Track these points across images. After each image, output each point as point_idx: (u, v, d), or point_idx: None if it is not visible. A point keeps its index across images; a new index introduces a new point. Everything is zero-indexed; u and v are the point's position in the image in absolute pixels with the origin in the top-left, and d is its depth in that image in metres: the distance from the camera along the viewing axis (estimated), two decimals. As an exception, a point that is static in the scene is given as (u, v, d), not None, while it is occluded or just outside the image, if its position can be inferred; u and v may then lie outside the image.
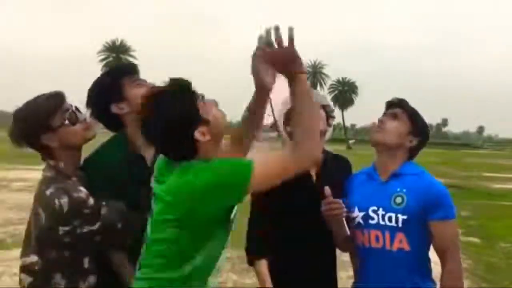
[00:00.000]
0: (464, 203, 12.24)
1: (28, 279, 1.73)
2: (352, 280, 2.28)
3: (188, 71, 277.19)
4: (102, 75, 2.03)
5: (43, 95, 1.82)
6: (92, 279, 1.82)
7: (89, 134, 1.89)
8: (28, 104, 1.79)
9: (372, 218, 2.04)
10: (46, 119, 1.76)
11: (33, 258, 1.70)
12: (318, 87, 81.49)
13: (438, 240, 2.00)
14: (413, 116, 2.09)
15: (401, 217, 1.98)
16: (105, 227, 1.74)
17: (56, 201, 1.65)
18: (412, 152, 2.11)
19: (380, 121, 2.10)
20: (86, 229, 1.70)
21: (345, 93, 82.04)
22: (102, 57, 75.73)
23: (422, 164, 2.15)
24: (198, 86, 1.56)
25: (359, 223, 2.08)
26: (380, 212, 2.03)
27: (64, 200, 1.65)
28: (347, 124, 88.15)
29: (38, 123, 1.74)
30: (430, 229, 1.99)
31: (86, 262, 1.80)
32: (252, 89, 1.64)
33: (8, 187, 12.36)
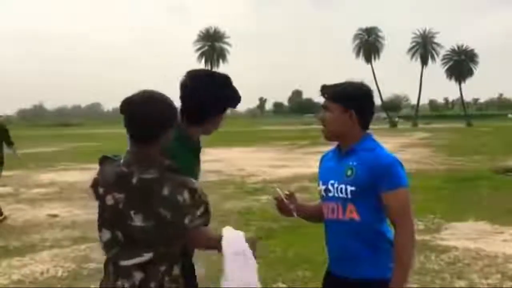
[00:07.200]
0: None
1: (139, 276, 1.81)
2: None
3: (283, 57, 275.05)
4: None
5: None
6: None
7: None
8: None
9: (330, 191, 2.19)
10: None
11: (147, 255, 1.77)
12: (430, 60, 73.11)
13: (387, 210, 2.08)
14: (337, 99, 2.16)
15: (349, 188, 2.10)
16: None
17: (179, 197, 1.78)
18: (363, 123, 2.18)
19: (320, 118, 2.23)
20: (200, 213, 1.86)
21: (462, 63, 72.57)
22: (198, 46, 75.38)
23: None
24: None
25: (322, 196, 2.26)
26: (336, 185, 2.16)
27: (186, 195, 1.79)
28: (468, 98, 78.24)
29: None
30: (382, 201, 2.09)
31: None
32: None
33: None
